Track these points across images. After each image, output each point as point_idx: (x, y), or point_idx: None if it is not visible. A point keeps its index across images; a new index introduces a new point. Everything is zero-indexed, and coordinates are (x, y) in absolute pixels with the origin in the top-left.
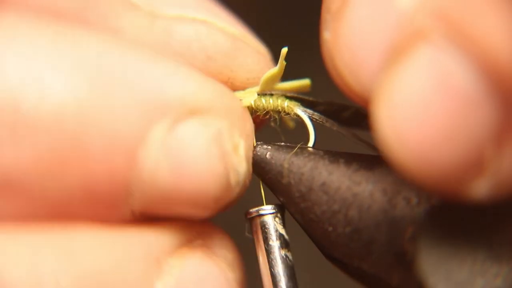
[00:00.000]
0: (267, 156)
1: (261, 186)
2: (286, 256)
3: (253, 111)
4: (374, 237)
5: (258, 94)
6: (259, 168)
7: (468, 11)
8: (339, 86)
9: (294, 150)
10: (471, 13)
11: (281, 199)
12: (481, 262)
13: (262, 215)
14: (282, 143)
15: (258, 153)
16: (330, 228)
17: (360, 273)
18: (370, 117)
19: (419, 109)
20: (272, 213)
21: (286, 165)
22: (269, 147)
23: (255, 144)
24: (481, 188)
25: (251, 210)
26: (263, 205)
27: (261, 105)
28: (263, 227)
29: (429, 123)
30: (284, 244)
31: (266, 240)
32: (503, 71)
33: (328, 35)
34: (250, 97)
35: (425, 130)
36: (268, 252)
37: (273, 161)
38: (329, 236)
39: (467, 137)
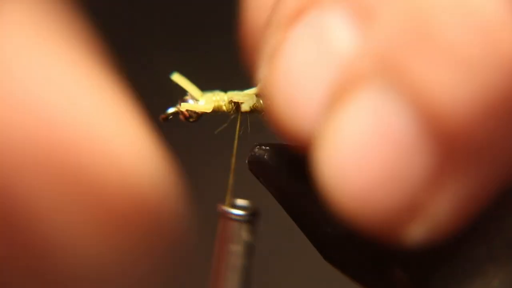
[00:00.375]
0: (265, 157)
1: (231, 179)
2: (245, 265)
3: (251, 112)
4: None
5: (257, 96)
6: (257, 169)
7: (407, 57)
8: (274, 126)
9: (293, 151)
10: (410, 58)
11: (279, 200)
12: (480, 264)
13: (231, 215)
14: (281, 143)
15: (256, 154)
16: (330, 229)
17: (360, 274)
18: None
19: (358, 155)
20: (242, 219)
21: (284, 166)
22: (268, 147)
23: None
24: (416, 233)
25: (223, 208)
26: (235, 201)
27: (259, 106)
28: (229, 228)
29: (367, 168)
30: (247, 252)
31: (228, 242)
32: (440, 118)
33: (263, 75)
34: (249, 100)
35: (362, 175)
36: (228, 255)
37: (271, 162)
38: (328, 238)
39: (402, 183)
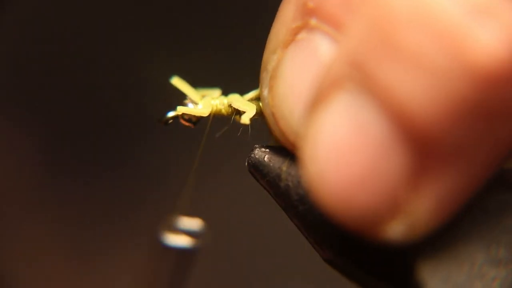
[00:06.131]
0: (265, 159)
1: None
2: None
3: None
4: None
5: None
6: (257, 171)
7: (374, 61)
8: (280, 139)
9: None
10: (377, 63)
11: (278, 202)
12: (479, 266)
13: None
14: (281, 145)
15: (256, 156)
16: (328, 231)
17: (360, 276)
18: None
19: (336, 155)
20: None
21: (284, 168)
22: (267, 149)
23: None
24: (396, 230)
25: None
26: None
27: (258, 109)
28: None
29: (345, 167)
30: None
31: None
32: (411, 120)
33: (266, 92)
34: (250, 110)
35: (342, 174)
36: None
37: (271, 164)
38: (327, 240)
39: (380, 182)
